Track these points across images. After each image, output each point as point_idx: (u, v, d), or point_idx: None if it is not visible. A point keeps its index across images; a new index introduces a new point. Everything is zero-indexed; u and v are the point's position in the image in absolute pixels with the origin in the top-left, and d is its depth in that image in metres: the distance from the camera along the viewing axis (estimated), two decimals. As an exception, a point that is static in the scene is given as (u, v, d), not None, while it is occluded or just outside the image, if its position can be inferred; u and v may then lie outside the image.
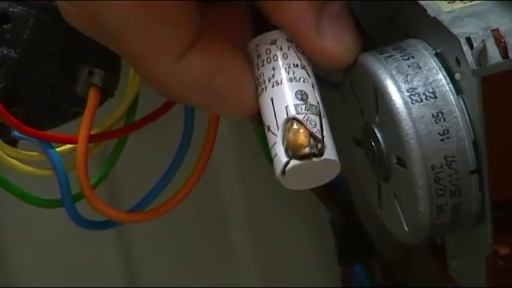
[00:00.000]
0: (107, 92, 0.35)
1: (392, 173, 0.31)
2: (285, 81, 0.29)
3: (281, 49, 0.30)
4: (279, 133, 0.28)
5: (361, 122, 0.33)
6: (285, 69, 0.30)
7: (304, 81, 0.29)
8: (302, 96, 0.29)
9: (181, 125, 0.35)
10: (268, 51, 0.30)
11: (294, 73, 0.29)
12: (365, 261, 0.45)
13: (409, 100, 0.30)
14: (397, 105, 0.30)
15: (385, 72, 0.30)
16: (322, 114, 0.29)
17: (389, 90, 0.30)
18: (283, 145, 0.28)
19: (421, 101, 0.30)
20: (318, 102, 0.29)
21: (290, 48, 0.30)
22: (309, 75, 0.30)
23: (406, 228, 0.31)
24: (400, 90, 0.30)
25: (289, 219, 0.59)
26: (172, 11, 0.29)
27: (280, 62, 0.30)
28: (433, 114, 0.30)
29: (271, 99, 0.29)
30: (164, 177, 0.35)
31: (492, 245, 0.30)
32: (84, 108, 0.34)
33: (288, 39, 0.30)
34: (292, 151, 0.28)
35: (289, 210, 0.58)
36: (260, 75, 0.30)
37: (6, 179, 0.34)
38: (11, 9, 0.34)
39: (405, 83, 0.30)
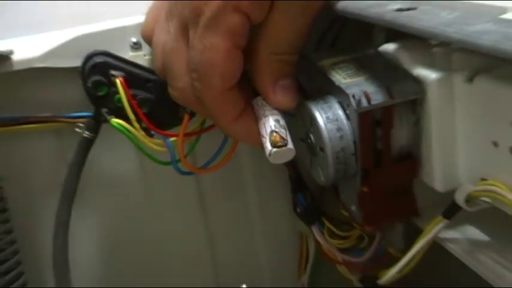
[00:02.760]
0: (193, 113, 0.50)
1: (317, 154, 0.43)
2: (269, 115, 0.41)
3: (263, 105, 0.42)
4: (267, 137, 0.40)
5: (304, 131, 0.44)
6: (267, 110, 0.42)
7: (276, 115, 0.42)
8: (278, 121, 0.41)
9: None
10: (257, 106, 0.42)
11: (270, 111, 0.42)
12: (305, 192, 0.53)
13: (326, 121, 0.42)
14: (321, 124, 0.42)
15: (316, 110, 0.42)
16: (287, 129, 0.41)
17: (317, 118, 0.42)
18: (269, 141, 0.39)
19: (331, 122, 0.42)
20: (284, 124, 0.41)
21: (266, 104, 0.42)
22: (278, 113, 0.42)
23: (322, 179, 0.44)
24: (322, 117, 0.42)
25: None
26: (234, 98, 0.41)
27: (265, 108, 0.42)
28: (336, 128, 0.42)
29: (264, 124, 0.41)
30: (218, 151, 0.51)
31: (360, 186, 0.43)
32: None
33: (264, 100, 0.41)
34: (273, 144, 0.39)
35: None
36: (258, 115, 0.42)
37: (145, 149, 0.49)
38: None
39: (325, 114, 0.42)
